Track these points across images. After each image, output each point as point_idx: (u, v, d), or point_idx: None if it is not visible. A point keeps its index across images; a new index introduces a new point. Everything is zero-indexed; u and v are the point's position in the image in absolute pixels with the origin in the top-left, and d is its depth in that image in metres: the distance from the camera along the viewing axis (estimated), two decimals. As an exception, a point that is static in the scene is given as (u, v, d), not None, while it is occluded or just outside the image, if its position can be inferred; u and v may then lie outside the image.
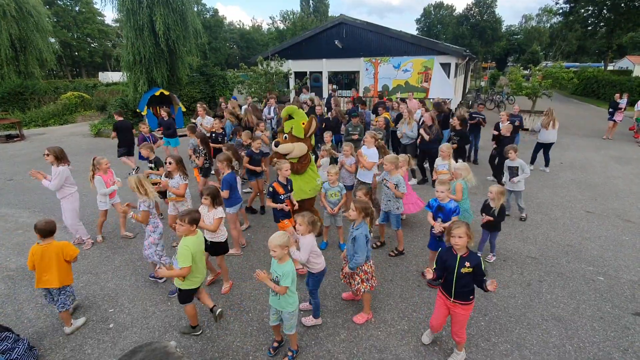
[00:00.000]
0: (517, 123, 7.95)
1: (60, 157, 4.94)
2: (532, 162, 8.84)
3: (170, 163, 4.86)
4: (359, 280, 3.63)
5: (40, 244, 3.47)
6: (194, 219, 3.35)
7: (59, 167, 4.91)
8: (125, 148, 8.59)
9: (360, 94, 16.16)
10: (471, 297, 3.02)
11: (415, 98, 11.65)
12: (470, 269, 2.90)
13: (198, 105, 8.83)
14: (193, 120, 8.82)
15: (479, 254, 4.85)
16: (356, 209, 3.54)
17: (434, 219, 4.21)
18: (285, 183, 4.73)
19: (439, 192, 4.16)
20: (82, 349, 3.46)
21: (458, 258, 2.96)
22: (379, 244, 5.31)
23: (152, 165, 5.80)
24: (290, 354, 3.30)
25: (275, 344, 3.40)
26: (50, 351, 3.44)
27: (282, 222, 4.69)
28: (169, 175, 4.99)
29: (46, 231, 3.45)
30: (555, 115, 8.37)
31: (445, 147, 5.97)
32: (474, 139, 9.37)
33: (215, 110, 9.79)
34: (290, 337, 3.26)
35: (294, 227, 3.65)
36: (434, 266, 3.16)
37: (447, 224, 3.81)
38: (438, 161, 6.07)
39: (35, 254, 3.45)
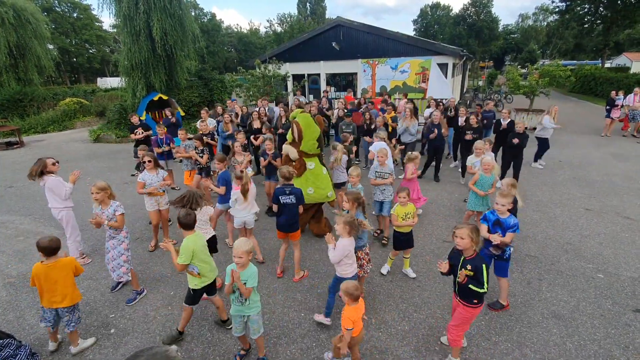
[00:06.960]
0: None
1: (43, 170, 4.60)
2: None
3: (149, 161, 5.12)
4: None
5: (44, 263, 3.22)
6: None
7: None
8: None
9: (358, 96, 16.18)
10: (475, 300, 2.96)
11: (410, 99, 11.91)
12: (472, 273, 2.87)
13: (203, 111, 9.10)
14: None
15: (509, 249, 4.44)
16: (349, 200, 3.72)
17: (490, 232, 3.78)
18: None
19: (499, 205, 3.68)
20: (84, 354, 3.47)
21: (462, 259, 2.94)
22: (379, 232, 5.56)
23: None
24: None
25: (243, 352, 3.36)
26: (52, 357, 3.45)
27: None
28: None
29: (50, 249, 3.18)
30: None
31: (481, 144, 5.92)
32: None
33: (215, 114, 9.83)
34: (258, 342, 3.21)
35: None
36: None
37: (505, 238, 3.61)
38: (471, 158, 5.98)
39: (38, 275, 3.20)
